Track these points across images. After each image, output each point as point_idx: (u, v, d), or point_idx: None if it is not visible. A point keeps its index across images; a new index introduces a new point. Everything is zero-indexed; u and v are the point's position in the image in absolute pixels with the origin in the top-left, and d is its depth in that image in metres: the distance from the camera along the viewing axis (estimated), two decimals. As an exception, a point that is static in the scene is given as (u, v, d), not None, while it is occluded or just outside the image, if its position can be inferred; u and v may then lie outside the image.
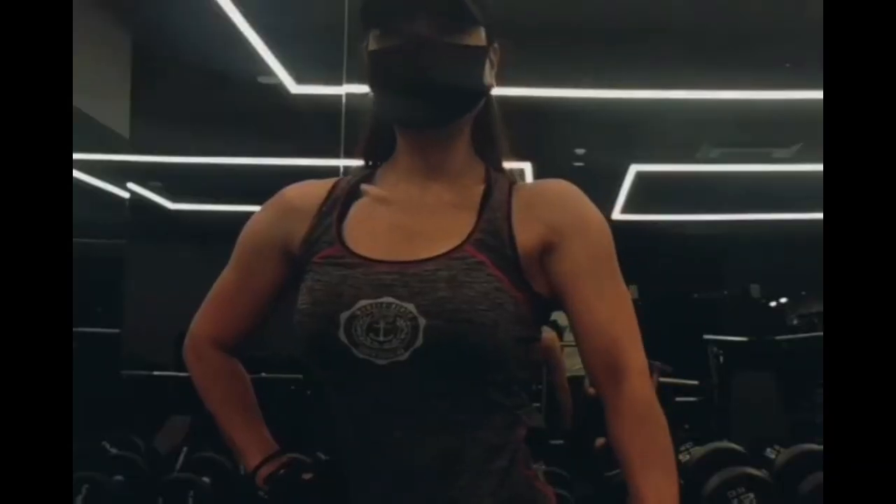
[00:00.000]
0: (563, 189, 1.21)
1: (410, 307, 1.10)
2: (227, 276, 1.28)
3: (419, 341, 1.09)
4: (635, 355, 1.17)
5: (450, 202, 1.20)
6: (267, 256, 1.25)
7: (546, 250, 1.17)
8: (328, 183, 1.25)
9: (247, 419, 1.28)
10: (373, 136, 1.27)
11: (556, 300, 1.19)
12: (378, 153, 1.27)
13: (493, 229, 1.16)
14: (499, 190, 1.20)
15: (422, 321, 1.09)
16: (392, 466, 1.12)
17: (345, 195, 1.22)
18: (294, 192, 1.26)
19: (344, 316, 1.11)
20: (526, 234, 1.16)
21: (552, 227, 1.17)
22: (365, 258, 1.15)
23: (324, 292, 1.13)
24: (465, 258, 1.13)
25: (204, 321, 1.29)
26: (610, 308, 1.17)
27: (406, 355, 1.09)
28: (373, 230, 1.18)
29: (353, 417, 1.14)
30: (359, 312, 1.11)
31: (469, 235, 1.16)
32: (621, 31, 5.05)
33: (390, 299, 1.10)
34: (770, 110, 6.05)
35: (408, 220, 1.18)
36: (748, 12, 4.83)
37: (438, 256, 1.13)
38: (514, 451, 1.16)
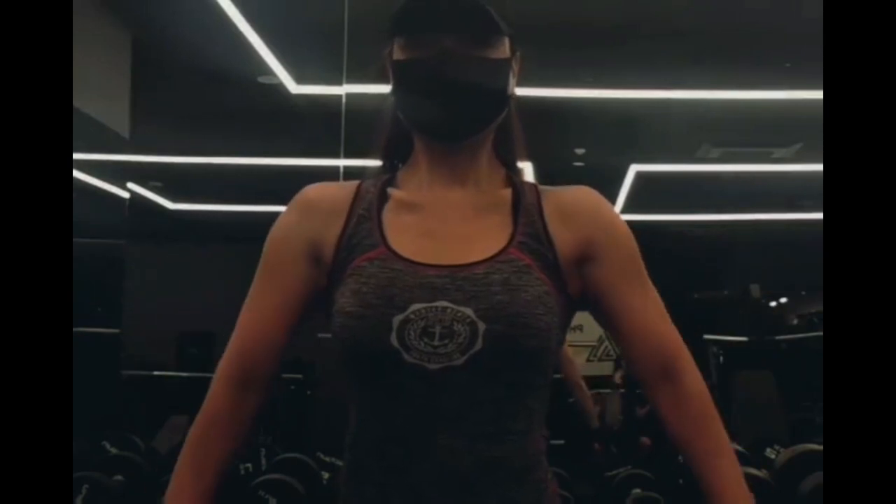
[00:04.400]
0: (593, 200, 1.23)
1: (468, 311, 1.09)
2: (254, 291, 1.22)
3: (478, 346, 1.08)
4: (685, 352, 1.22)
5: (477, 206, 1.19)
6: (293, 260, 1.20)
7: (583, 259, 1.18)
8: (351, 185, 1.23)
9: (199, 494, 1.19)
10: (392, 138, 1.26)
11: (593, 305, 1.21)
12: (397, 155, 1.26)
13: (532, 232, 1.17)
14: (527, 194, 1.21)
15: (481, 325, 1.08)
16: (432, 474, 1.09)
17: (377, 198, 1.21)
18: (317, 192, 1.23)
19: (397, 319, 1.09)
20: (562, 241, 1.17)
21: (588, 238, 1.18)
22: (410, 261, 1.13)
23: (374, 295, 1.11)
24: (511, 261, 1.13)
25: (232, 354, 1.22)
26: (653, 309, 1.21)
27: (462, 360, 1.08)
28: (407, 234, 1.17)
29: (390, 423, 1.12)
30: (413, 316, 1.09)
31: (511, 238, 1.16)
32: (621, 31, 5.05)
33: (445, 303, 1.09)
34: (770, 110, 6.05)
35: (440, 224, 1.18)
36: (748, 12, 4.83)
37: (485, 260, 1.13)
38: (545, 462, 1.17)
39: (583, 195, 1.23)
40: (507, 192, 1.21)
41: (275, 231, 1.23)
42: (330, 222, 1.19)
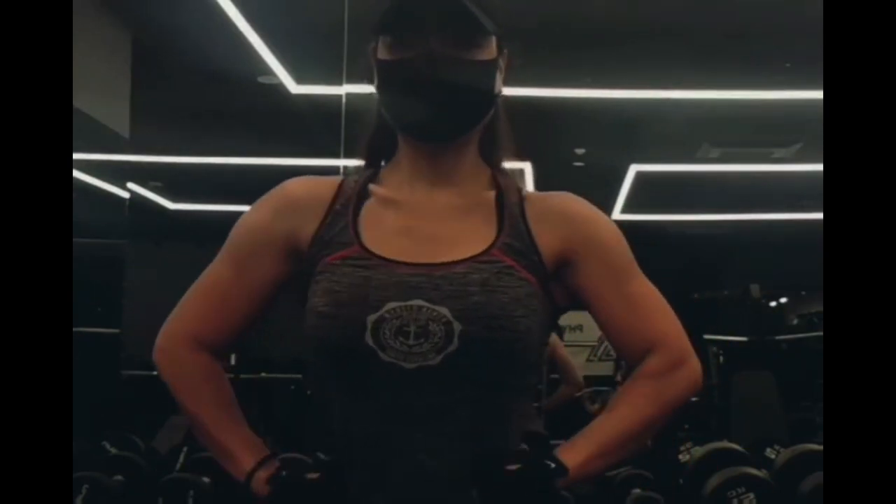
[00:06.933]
0: (574, 205, 1.22)
1: (444, 311, 1.08)
2: (217, 270, 1.22)
3: (453, 346, 1.08)
4: (669, 350, 1.19)
5: (460, 206, 1.19)
6: (267, 252, 1.19)
7: (563, 265, 1.18)
8: (333, 181, 1.22)
9: (233, 421, 1.21)
10: (376, 137, 1.26)
11: (580, 306, 1.20)
12: (381, 153, 1.26)
13: (517, 234, 1.16)
14: (510, 195, 1.20)
15: (457, 326, 1.08)
16: (408, 473, 1.09)
17: (356, 196, 1.20)
18: (298, 187, 1.22)
19: (371, 318, 1.09)
20: (544, 243, 1.17)
21: (567, 243, 1.18)
22: (385, 259, 1.13)
23: (347, 294, 1.11)
24: (494, 262, 1.13)
25: (187, 319, 1.22)
26: (639, 308, 1.19)
27: (437, 360, 1.08)
28: (385, 232, 1.17)
29: (368, 422, 1.12)
30: (387, 315, 1.09)
31: (496, 239, 1.15)
32: (621, 31, 5.04)
33: (421, 302, 1.09)
34: (770, 110, 6.05)
35: (419, 223, 1.17)
36: (748, 12, 4.82)
37: (466, 260, 1.13)
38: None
39: (564, 199, 1.22)
40: (491, 194, 1.21)
41: (248, 220, 1.22)
42: (308, 218, 1.18)
